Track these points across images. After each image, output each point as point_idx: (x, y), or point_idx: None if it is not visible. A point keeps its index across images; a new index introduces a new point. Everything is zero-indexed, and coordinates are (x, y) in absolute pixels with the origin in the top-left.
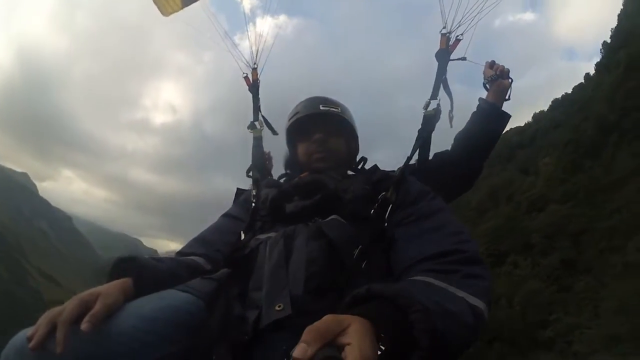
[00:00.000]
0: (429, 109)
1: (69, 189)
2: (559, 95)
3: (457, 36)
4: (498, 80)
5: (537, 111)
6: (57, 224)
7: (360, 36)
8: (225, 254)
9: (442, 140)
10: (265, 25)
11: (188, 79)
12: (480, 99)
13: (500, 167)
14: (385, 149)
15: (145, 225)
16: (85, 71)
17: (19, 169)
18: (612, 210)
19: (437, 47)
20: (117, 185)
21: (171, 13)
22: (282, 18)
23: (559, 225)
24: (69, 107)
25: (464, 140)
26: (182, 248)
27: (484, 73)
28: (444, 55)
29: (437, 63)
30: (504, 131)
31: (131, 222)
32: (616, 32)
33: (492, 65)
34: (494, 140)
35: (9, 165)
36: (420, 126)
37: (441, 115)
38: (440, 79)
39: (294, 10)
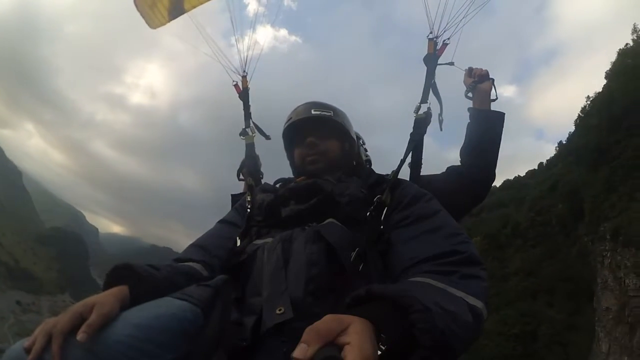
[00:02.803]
0: (419, 112)
1: (27, 143)
2: (519, 172)
3: (444, 40)
4: (477, 85)
5: (493, 185)
6: (7, 177)
7: (351, 70)
8: (223, 260)
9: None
10: (256, 34)
11: (177, 68)
12: (469, 109)
13: None
14: None
15: (92, 200)
16: (77, 30)
17: None
18: (490, 294)
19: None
20: (75, 152)
21: (158, 26)
22: (283, 32)
23: None
24: (50, 61)
25: (467, 151)
26: (180, 254)
27: (464, 82)
28: (431, 59)
29: (428, 68)
30: None
31: (79, 193)
32: (572, 137)
33: (470, 72)
34: (496, 142)
35: None
36: (412, 130)
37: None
38: (430, 83)
39: (295, 27)
